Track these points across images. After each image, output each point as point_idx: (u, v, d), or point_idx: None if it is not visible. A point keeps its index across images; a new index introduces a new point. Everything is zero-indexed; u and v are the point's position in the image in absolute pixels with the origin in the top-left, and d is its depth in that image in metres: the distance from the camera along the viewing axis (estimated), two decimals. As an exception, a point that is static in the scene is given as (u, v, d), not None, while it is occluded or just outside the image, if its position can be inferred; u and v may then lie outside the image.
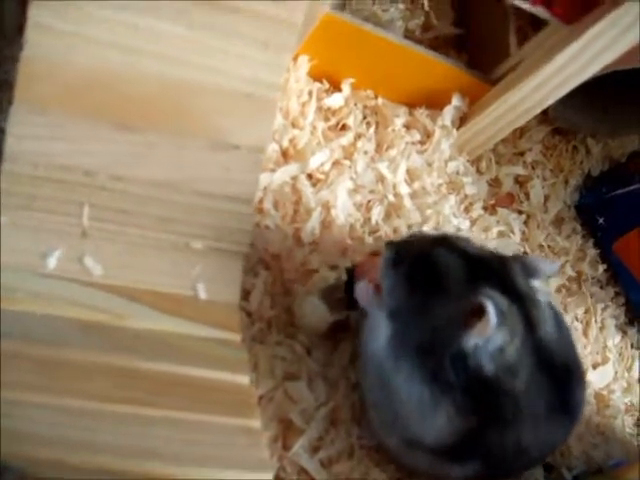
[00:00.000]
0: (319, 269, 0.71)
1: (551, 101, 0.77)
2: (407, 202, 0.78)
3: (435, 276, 0.61)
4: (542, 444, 0.63)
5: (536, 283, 0.63)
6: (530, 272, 0.62)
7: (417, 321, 0.61)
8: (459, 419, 0.60)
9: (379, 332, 0.62)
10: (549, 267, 0.65)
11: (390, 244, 0.65)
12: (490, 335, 0.58)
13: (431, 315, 0.61)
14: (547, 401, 0.61)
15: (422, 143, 0.82)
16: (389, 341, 0.62)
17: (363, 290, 0.64)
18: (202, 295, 0.66)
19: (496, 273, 0.61)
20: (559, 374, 0.62)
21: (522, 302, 0.60)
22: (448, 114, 0.81)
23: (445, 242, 0.64)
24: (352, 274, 0.68)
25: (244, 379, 0.61)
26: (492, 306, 0.57)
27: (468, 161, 0.83)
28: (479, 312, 0.57)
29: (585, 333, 0.85)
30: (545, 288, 0.64)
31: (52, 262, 0.62)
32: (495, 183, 0.86)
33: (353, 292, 0.65)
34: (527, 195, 0.87)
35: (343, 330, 0.71)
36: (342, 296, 0.68)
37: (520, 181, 0.87)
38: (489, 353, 0.59)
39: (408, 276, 0.62)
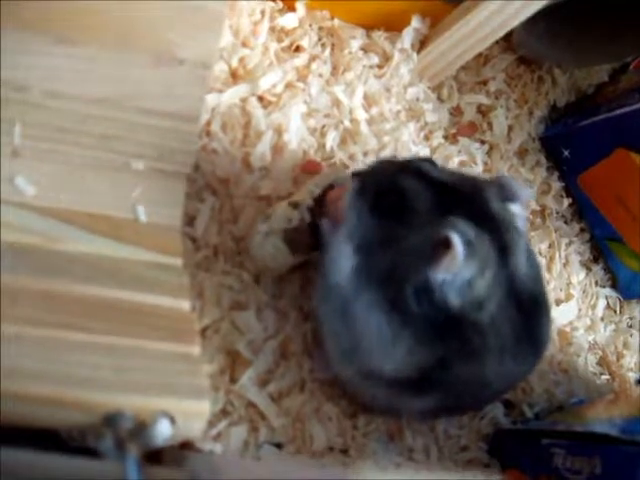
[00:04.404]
0: (271, 197, 0.68)
1: (515, 23, 0.74)
2: (364, 128, 0.74)
3: (400, 205, 0.58)
4: (506, 377, 0.61)
5: (515, 208, 0.59)
6: (507, 195, 0.59)
7: (382, 252, 0.58)
8: (420, 351, 0.57)
9: (343, 263, 0.59)
10: (526, 192, 0.62)
11: (356, 174, 0.62)
12: (457, 270, 0.55)
13: (396, 246, 0.58)
14: (513, 333, 0.59)
15: (380, 67, 0.78)
16: (353, 272, 0.59)
17: (329, 226, 0.61)
18: (142, 218, 0.62)
19: (467, 199, 0.58)
20: (527, 306, 0.59)
21: (495, 228, 0.57)
22: (407, 37, 0.78)
23: (411, 168, 0.61)
24: (314, 214, 0.64)
25: (184, 304, 0.58)
26: (458, 239, 0.54)
27: (429, 88, 0.80)
28: (445, 245, 0.54)
29: (549, 269, 0.83)
30: (523, 215, 0.61)
31: (-20, 183, 0.57)
32: (456, 112, 0.82)
33: (317, 233, 0.62)
34: (490, 125, 0.83)
35: (300, 268, 0.67)
36: (307, 238, 0.65)
37: (483, 111, 0.84)
38: (456, 288, 0.56)
39: (373, 206, 0.59)
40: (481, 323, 0.57)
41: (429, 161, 0.64)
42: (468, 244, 0.55)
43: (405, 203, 0.58)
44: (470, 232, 0.55)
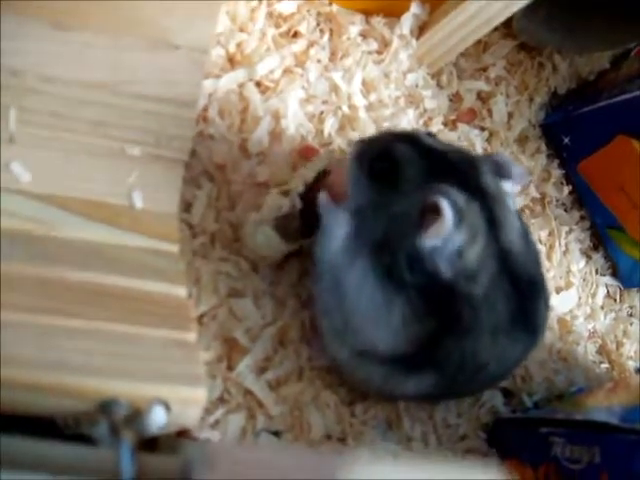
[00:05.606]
0: (268, 183, 0.67)
1: (514, 9, 0.73)
2: (362, 114, 0.74)
3: (394, 170, 0.58)
4: (501, 359, 0.60)
5: (507, 186, 0.59)
6: (501, 171, 0.59)
7: (376, 218, 0.58)
8: (413, 323, 0.57)
9: (338, 232, 0.59)
10: (520, 170, 0.62)
11: (359, 141, 0.62)
12: (447, 235, 0.55)
13: (389, 212, 0.58)
14: (508, 311, 0.58)
15: (379, 53, 0.77)
16: (348, 240, 0.59)
17: (326, 200, 0.61)
18: (138, 204, 0.61)
19: (460, 171, 0.58)
20: (523, 286, 0.59)
21: (486, 202, 0.57)
22: (406, 22, 0.77)
23: (410, 138, 0.61)
24: (306, 200, 0.64)
25: (180, 291, 0.57)
26: (448, 205, 0.54)
27: (428, 74, 0.79)
28: (434, 211, 0.54)
29: (549, 257, 0.82)
30: (515, 193, 0.61)
31: (-25, 169, 0.57)
32: (456, 98, 0.82)
33: (309, 219, 0.62)
34: (490, 112, 0.82)
35: (298, 256, 0.67)
36: (297, 225, 0.64)
37: (482, 97, 0.83)
38: (447, 255, 0.56)
39: (369, 171, 0.59)
40: (474, 296, 0.57)
41: (430, 134, 0.63)
42: (458, 211, 0.55)
43: (399, 169, 0.58)
44: (460, 199, 0.55)
